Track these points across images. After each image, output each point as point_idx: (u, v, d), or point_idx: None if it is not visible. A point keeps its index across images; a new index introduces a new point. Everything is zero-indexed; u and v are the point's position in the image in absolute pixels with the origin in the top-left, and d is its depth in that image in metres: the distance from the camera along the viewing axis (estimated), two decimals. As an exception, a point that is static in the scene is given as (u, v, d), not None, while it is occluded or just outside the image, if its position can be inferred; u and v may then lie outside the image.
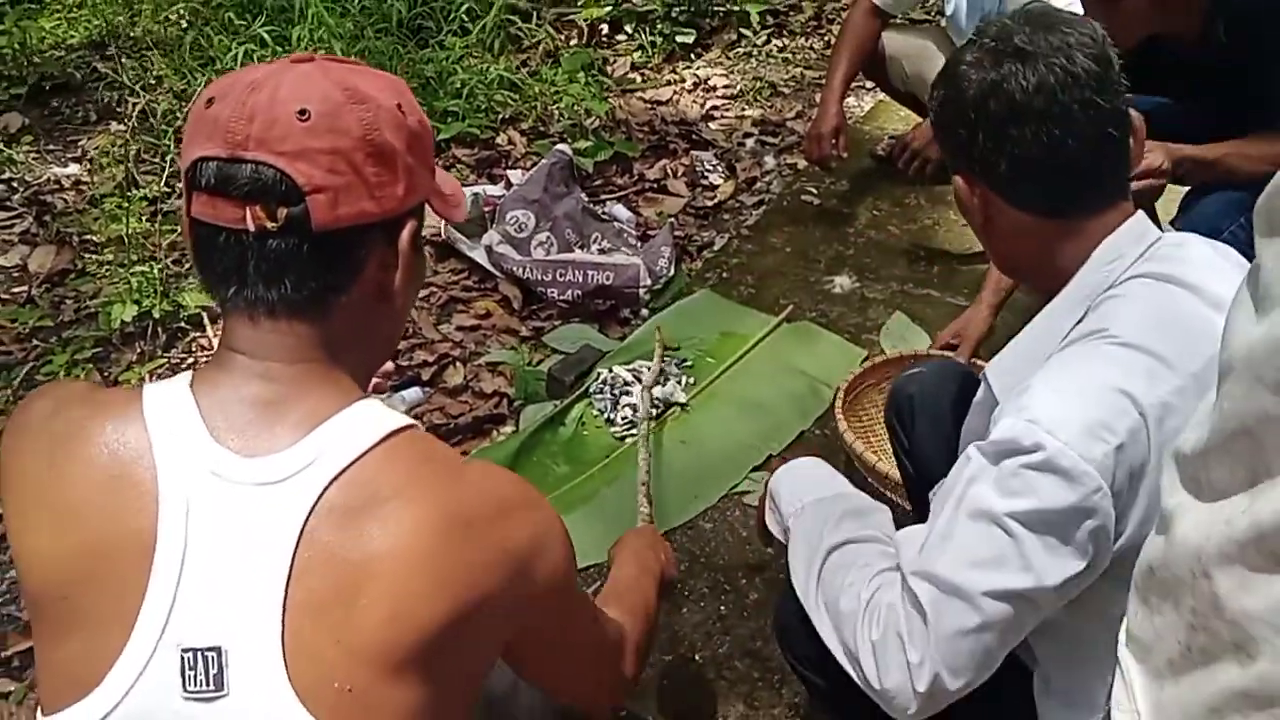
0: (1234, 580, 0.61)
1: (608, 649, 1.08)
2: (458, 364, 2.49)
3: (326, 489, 0.80)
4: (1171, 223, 2.19)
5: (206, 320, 2.59)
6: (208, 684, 0.79)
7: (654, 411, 2.22)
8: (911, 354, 2.19)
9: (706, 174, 3.26)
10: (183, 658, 0.79)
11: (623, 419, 2.24)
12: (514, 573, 0.86)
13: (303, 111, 0.84)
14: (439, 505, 0.82)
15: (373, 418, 0.85)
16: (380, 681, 0.79)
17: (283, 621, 0.79)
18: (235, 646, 0.79)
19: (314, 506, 0.80)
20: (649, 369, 2.29)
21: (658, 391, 2.28)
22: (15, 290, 2.72)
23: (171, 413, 0.84)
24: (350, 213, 0.85)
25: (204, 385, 0.86)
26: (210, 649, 0.80)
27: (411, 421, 0.87)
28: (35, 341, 2.53)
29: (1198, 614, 0.64)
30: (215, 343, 2.51)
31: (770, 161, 3.34)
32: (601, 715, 1.14)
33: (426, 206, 0.97)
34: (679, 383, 2.33)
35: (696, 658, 1.75)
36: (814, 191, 3.12)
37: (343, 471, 0.81)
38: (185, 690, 0.79)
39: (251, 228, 0.83)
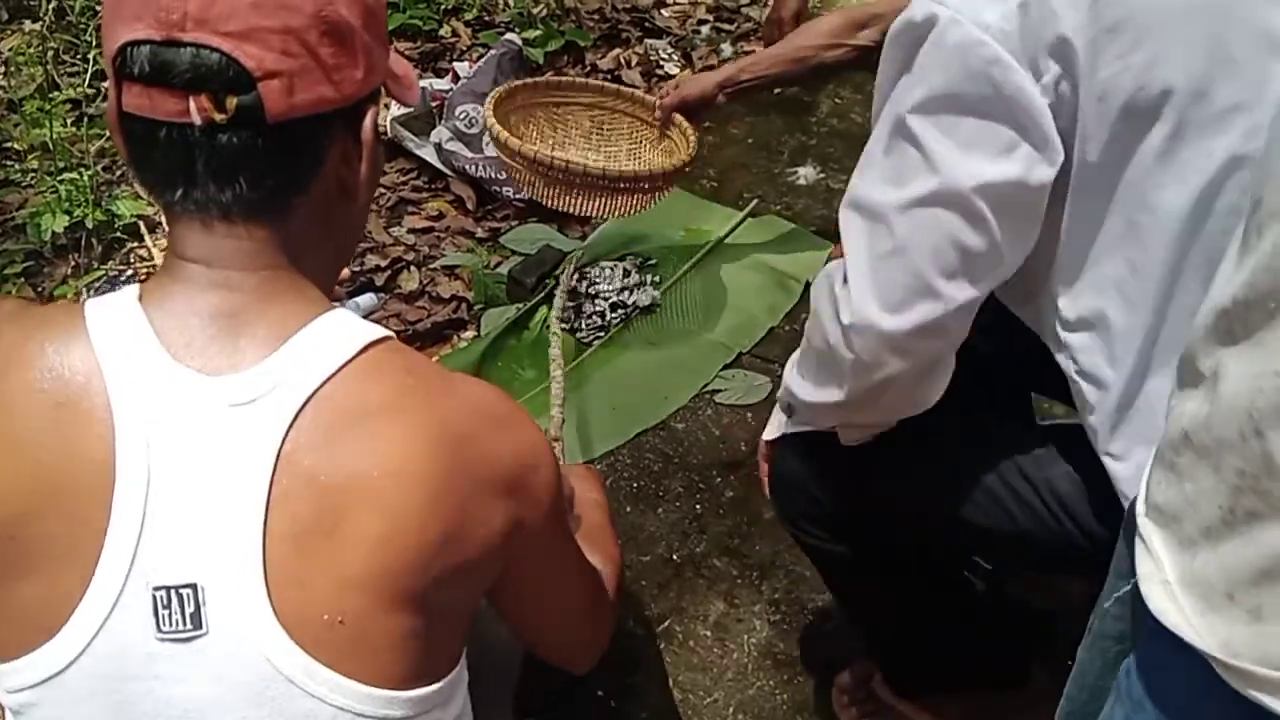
0: None
1: (592, 588, 1.02)
2: (412, 268, 2.40)
3: (303, 407, 0.74)
4: None
5: (144, 229, 2.46)
6: (184, 623, 0.74)
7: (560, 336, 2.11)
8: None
9: (662, 63, 3.14)
10: (154, 596, 0.74)
11: (587, 325, 2.18)
12: (507, 490, 0.81)
13: None
14: (428, 420, 0.76)
15: (347, 329, 0.78)
16: (374, 609, 0.74)
17: (263, 552, 0.73)
18: (212, 582, 0.74)
19: (290, 427, 0.73)
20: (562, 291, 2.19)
21: (626, 297, 2.21)
22: (-68, 203, 2.56)
23: (121, 331, 0.76)
24: (307, 100, 0.77)
25: (155, 299, 0.78)
26: (185, 586, 0.74)
27: (388, 332, 0.80)
28: (-40, 256, 2.39)
29: (1245, 475, 0.62)
30: (155, 253, 2.39)
31: (727, 49, 3.23)
32: (577, 670, 1.07)
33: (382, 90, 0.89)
34: (646, 285, 2.26)
35: (674, 557, 1.73)
36: (773, 80, 3.02)
37: (319, 388, 0.74)
38: (160, 631, 0.74)
39: (197, 121, 0.74)
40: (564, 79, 2.31)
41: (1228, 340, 0.64)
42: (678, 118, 2.13)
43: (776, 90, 2.96)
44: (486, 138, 2.56)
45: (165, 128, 0.75)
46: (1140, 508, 0.74)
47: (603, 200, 1.99)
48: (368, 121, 0.84)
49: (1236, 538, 0.64)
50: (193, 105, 0.74)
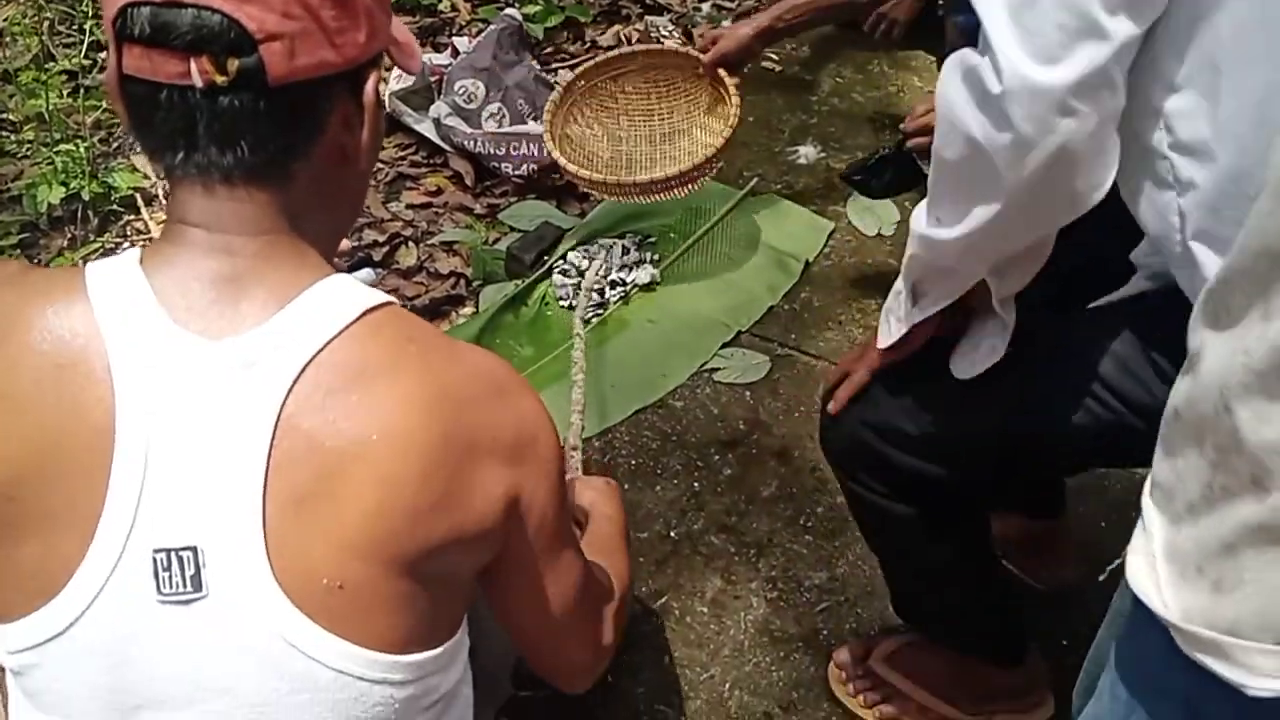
0: (1252, 411, 0.60)
1: (592, 592, 0.98)
2: (410, 244, 2.39)
3: (303, 371, 0.74)
4: None
5: (141, 202, 2.44)
6: (184, 585, 0.74)
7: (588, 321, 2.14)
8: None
9: (662, 40, 3.12)
10: (155, 559, 0.74)
11: (587, 304, 2.17)
12: (506, 457, 0.80)
13: None
14: (428, 384, 0.76)
15: (348, 293, 0.78)
16: (373, 574, 0.74)
17: (263, 515, 0.73)
18: (212, 544, 0.74)
19: (290, 390, 0.73)
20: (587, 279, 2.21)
21: (625, 275, 2.21)
22: (-73, 173, 2.54)
23: (121, 294, 0.76)
24: (309, 63, 0.76)
25: (155, 262, 0.77)
26: (185, 548, 0.74)
27: (389, 298, 0.80)
28: (-44, 228, 2.37)
29: (1220, 450, 0.63)
30: (152, 226, 2.38)
31: (728, 26, 3.21)
32: (574, 687, 1.04)
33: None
34: (646, 263, 2.25)
35: (672, 534, 1.73)
36: (775, 58, 3.00)
37: (319, 351, 0.74)
38: (160, 593, 0.74)
39: (199, 83, 0.74)
40: (610, 55, 2.35)
41: (1212, 323, 0.64)
42: (720, 73, 2.18)
43: (778, 68, 2.95)
44: (486, 114, 2.55)
45: (166, 90, 0.75)
46: (1147, 487, 0.74)
47: (668, 192, 2.14)
48: (369, 86, 0.83)
49: (1213, 514, 0.65)
50: (194, 67, 0.74)
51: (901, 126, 2.07)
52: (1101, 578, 0.85)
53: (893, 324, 1.17)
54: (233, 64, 0.74)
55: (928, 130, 2.01)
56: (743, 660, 1.56)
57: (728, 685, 1.53)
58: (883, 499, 1.27)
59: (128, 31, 0.74)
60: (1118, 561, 0.79)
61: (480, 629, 0.96)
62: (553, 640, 0.96)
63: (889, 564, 1.44)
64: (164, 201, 2.47)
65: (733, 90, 2.16)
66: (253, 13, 0.73)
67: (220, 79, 0.74)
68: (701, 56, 2.23)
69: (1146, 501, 0.73)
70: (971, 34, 2.24)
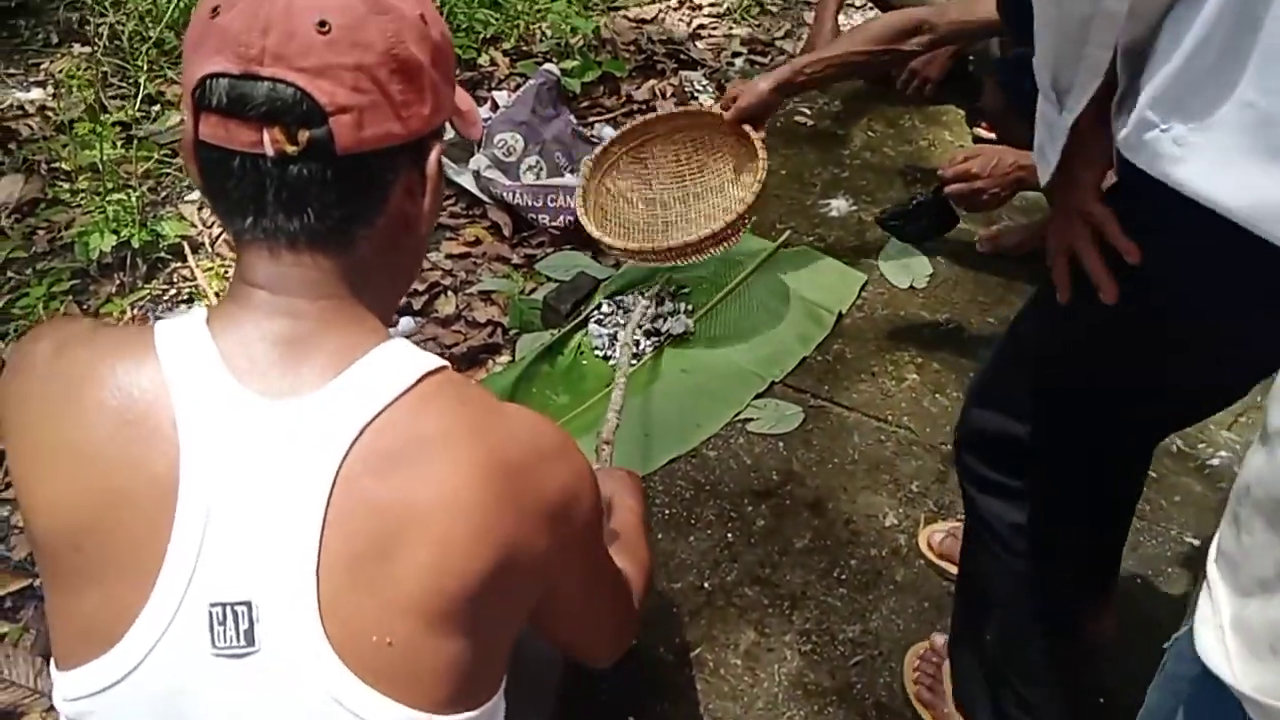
0: None
1: (623, 601, 1.06)
2: (449, 293, 2.43)
3: (360, 433, 0.76)
4: None
5: (188, 250, 2.50)
6: (238, 639, 0.76)
7: (647, 353, 2.21)
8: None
9: (696, 94, 3.18)
10: (211, 613, 0.76)
11: (622, 353, 2.20)
12: (552, 519, 0.83)
13: (323, 23, 0.77)
14: (481, 450, 0.78)
15: (405, 358, 0.81)
16: (422, 633, 0.76)
17: (317, 573, 0.75)
18: (266, 600, 0.76)
19: (347, 452, 0.76)
20: (632, 318, 2.26)
21: (660, 325, 2.24)
22: (-16, 221, 2.62)
23: (188, 353, 0.79)
24: (376, 134, 0.80)
25: (221, 323, 0.81)
26: (240, 603, 0.76)
27: (443, 362, 0.83)
28: (9, 274, 2.44)
29: None
30: (198, 273, 2.44)
31: (747, 82, 3.26)
32: (599, 666, 1.11)
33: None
34: (681, 316, 2.28)
35: (705, 585, 1.74)
36: (807, 113, 3.05)
37: (377, 415, 0.77)
38: (214, 647, 0.76)
39: (270, 152, 0.77)
40: (638, 121, 2.39)
41: None
42: (744, 128, 2.21)
43: (810, 123, 2.99)
44: (524, 166, 2.60)
45: (239, 157, 0.78)
46: (1212, 553, 0.75)
47: (702, 253, 2.18)
48: (433, 156, 0.86)
49: None
50: (266, 137, 0.77)
51: (940, 172, 2.09)
52: (1166, 645, 0.85)
53: (1048, 153, 1.13)
54: (303, 135, 0.77)
55: (966, 177, 2.04)
56: (776, 713, 1.56)
57: (761, 738, 1.53)
58: (1010, 478, 1.28)
59: (206, 101, 0.78)
60: (1184, 629, 0.79)
61: (516, 676, 0.98)
62: (584, 642, 1.04)
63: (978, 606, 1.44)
64: (210, 249, 2.53)
65: (758, 144, 2.19)
66: (325, 86, 0.77)
67: (291, 149, 0.77)
68: (724, 114, 2.26)
69: (1212, 570, 0.73)
70: (1013, 91, 2.26)
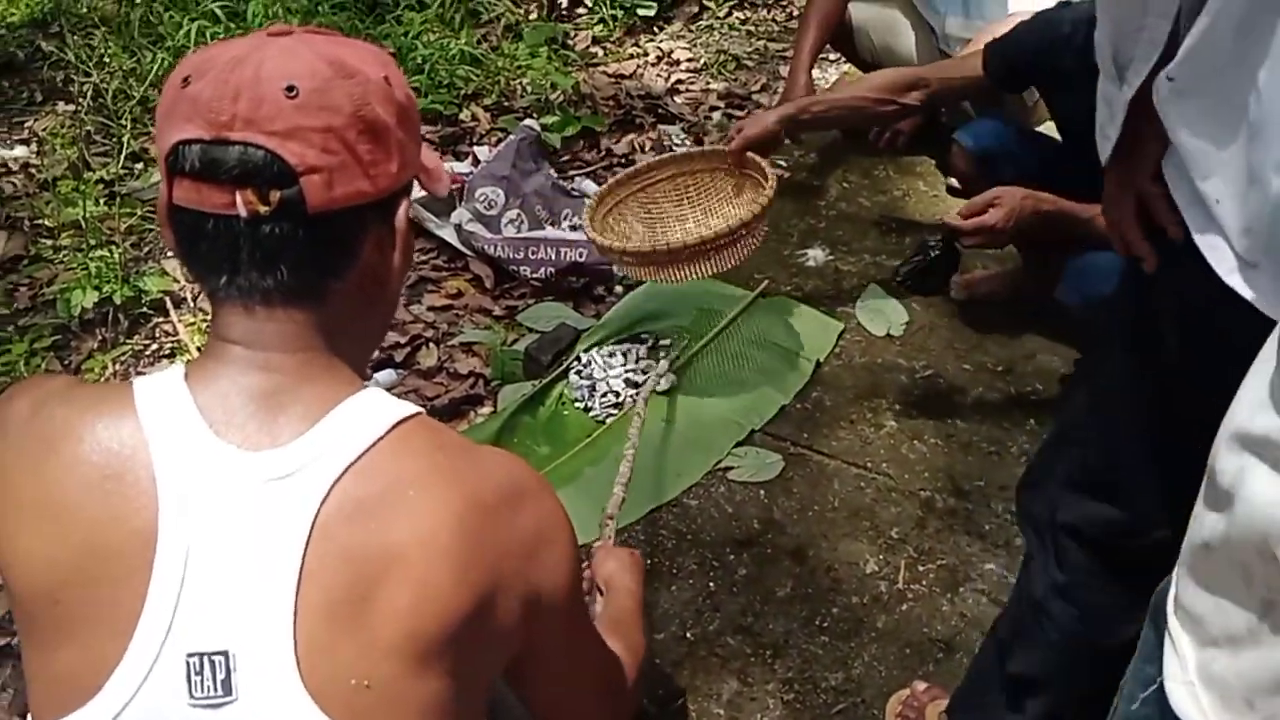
0: None
1: (609, 670, 1.06)
2: (431, 345, 2.45)
3: (337, 482, 0.78)
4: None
5: (170, 305, 2.52)
6: (215, 689, 0.76)
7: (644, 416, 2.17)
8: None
9: (674, 148, 3.23)
10: (188, 663, 0.76)
11: (601, 404, 2.22)
12: (529, 557, 0.84)
13: (290, 88, 0.80)
14: (457, 493, 0.80)
15: (379, 406, 0.82)
16: (402, 674, 0.77)
17: (294, 621, 0.76)
18: (243, 650, 0.76)
19: (324, 500, 0.77)
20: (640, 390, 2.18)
21: (639, 377, 2.25)
22: (-34, 278, 2.63)
23: (167, 408, 0.80)
24: (346, 193, 0.82)
25: (199, 378, 0.82)
26: (217, 653, 0.76)
27: (418, 409, 0.84)
28: (-9, 330, 2.45)
29: (1273, 589, 0.63)
30: (180, 329, 2.45)
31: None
32: None
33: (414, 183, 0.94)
34: (668, 373, 2.28)
35: (688, 635, 1.74)
36: (783, 165, 3.09)
37: (353, 463, 0.78)
38: (192, 697, 0.76)
39: (243, 212, 0.80)
40: (640, 166, 2.38)
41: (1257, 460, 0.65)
42: (748, 155, 2.24)
43: (786, 174, 3.04)
44: (506, 220, 2.64)
45: (212, 219, 0.81)
46: (1170, 606, 0.75)
47: (710, 261, 2.08)
48: (401, 212, 0.89)
49: (1262, 648, 0.65)
50: (239, 199, 0.79)
51: (955, 225, 2.09)
52: (1138, 694, 0.86)
53: (1109, 130, 1.13)
54: (275, 195, 0.80)
55: (984, 232, 2.06)
56: (759, 763, 1.55)
57: (744, 789, 1.52)
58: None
59: (179, 166, 0.80)
60: (1154, 687, 0.80)
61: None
62: (569, 716, 1.01)
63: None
64: (192, 304, 2.54)
65: (765, 164, 2.19)
66: (294, 148, 0.79)
67: (263, 209, 0.80)
68: (724, 148, 2.28)
69: (1173, 623, 0.73)
70: (978, 158, 2.33)
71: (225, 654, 0.77)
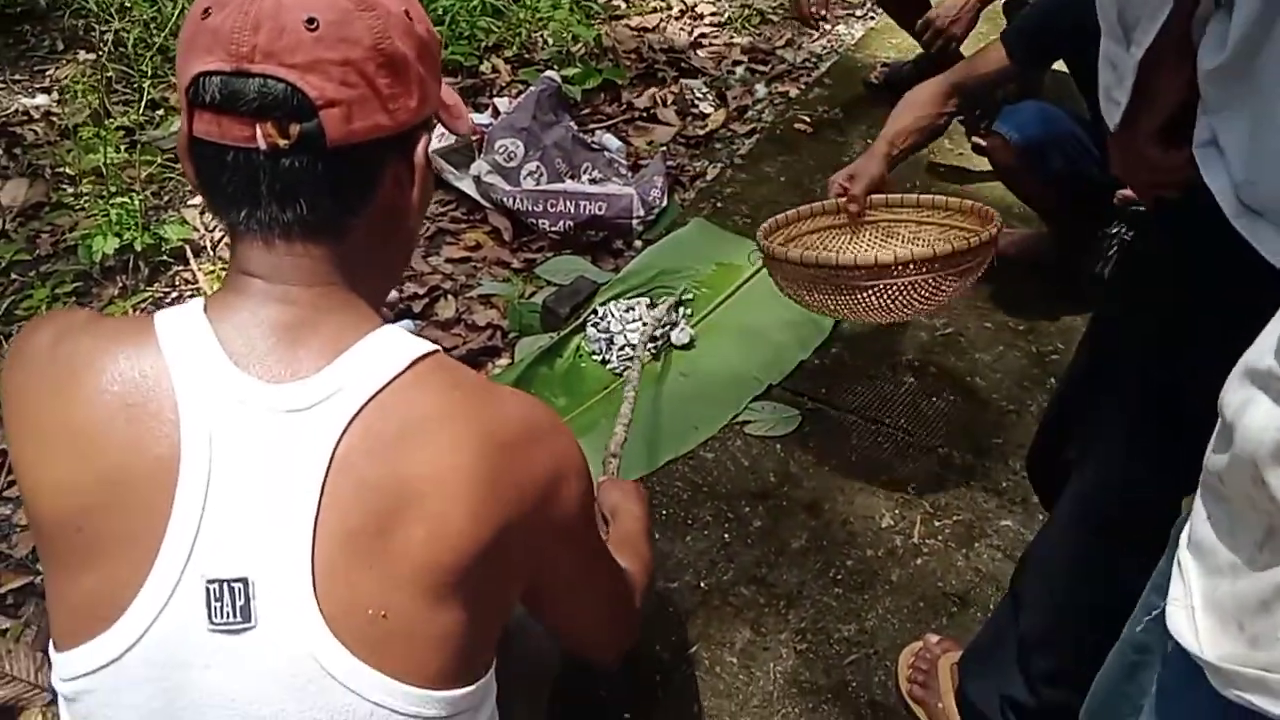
0: None
1: (620, 592, 1.08)
2: (449, 297, 2.45)
3: (356, 415, 0.78)
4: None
5: (190, 254, 2.53)
6: (234, 615, 0.77)
7: (647, 359, 2.19)
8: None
9: (697, 102, 3.20)
10: (208, 589, 0.77)
11: (619, 358, 2.22)
12: (544, 496, 0.84)
13: (310, 20, 0.79)
14: (475, 429, 0.80)
15: (398, 343, 0.82)
16: (418, 605, 0.77)
17: (312, 550, 0.76)
18: (262, 577, 0.77)
19: (344, 433, 0.77)
20: (645, 323, 2.23)
21: (658, 332, 2.24)
22: (-12, 224, 2.65)
23: (188, 339, 0.81)
24: (365, 127, 0.81)
25: (219, 311, 0.82)
26: (236, 580, 0.77)
27: (436, 347, 0.84)
28: (13, 276, 2.46)
29: (1269, 514, 0.65)
30: (200, 277, 2.46)
31: (761, 90, 3.28)
32: (604, 666, 1.14)
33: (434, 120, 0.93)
34: (685, 326, 2.29)
35: (702, 584, 1.75)
36: (807, 120, 3.07)
37: (372, 398, 0.78)
38: (211, 622, 0.77)
39: (263, 146, 0.79)
40: (815, 205, 2.14)
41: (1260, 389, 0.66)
42: (931, 197, 2.10)
43: (810, 129, 3.01)
44: (525, 172, 2.62)
45: (232, 152, 0.80)
46: (1183, 540, 0.76)
47: (917, 297, 1.76)
48: (420, 148, 0.88)
49: (1259, 570, 0.66)
50: (259, 131, 0.79)
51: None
52: (1143, 617, 0.87)
53: (1116, 94, 1.08)
54: (294, 128, 0.79)
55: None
56: (771, 711, 1.57)
57: (756, 736, 1.54)
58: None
59: (200, 98, 0.80)
60: (1157, 610, 0.81)
61: (512, 666, 0.99)
62: (585, 634, 1.05)
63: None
64: (211, 253, 2.55)
65: (976, 208, 1.97)
66: (314, 81, 0.79)
67: (283, 142, 0.79)
68: (847, 200, 2.09)
69: (1185, 556, 0.75)
70: (1024, 150, 2.31)
71: (244, 581, 0.77)
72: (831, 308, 1.81)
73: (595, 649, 1.09)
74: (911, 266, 1.71)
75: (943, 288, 1.76)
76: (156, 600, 0.77)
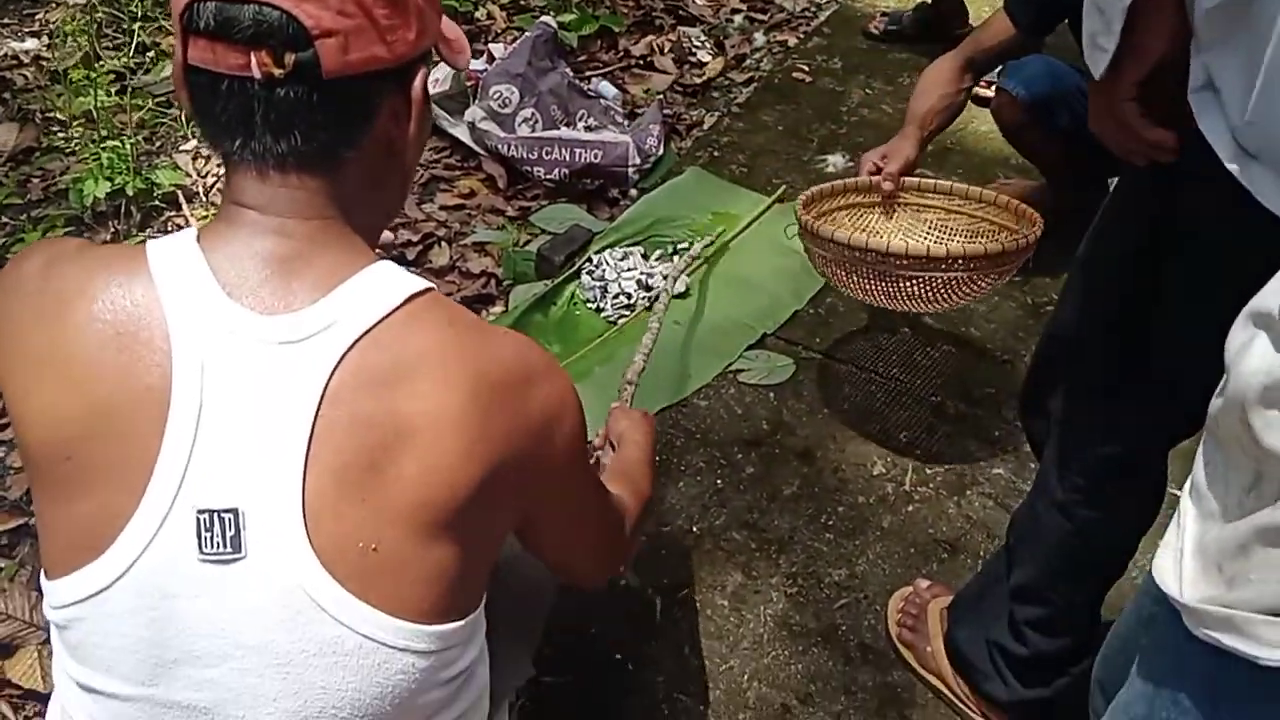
0: (1264, 421, 0.63)
1: (612, 524, 1.08)
2: (443, 244, 2.44)
3: (350, 349, 0.78)
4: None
5: (182, 199, 2.51)
6: (224, 546, 0.77)
7: (643, 306, 2.20)
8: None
9: (694, 50, 3.17)
10: (198, 519, 0.77)
11: (613, 305, 2.21)
12: (537, 436, 0.84)
13: None
14: (469, 368, 0.80)
15: (393, 279, 0.82)
16: (409, 541, 0.78)
17: (303, 482, 0.76)
18: (252, 508, 0.77)
19: (336, 366, 0.77)
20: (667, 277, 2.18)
21: (663, 283, 2.23)
22: (-21, 168, 2.62)
23: (180, 269, 0.80)
24: (361, 58, 0.80)
25: (213, 241, 0.82)
26: (227, 510, 0.77)
27: (430, 284, 0.84)
28: (4, 220, 2.45)
29: (1257, 460, 0.65)
30: (192, 222, 2.45)
31: (760, 38, 3.25)
32: (597, 586, 1.16)
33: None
34: (682, 275, 2.27)
35: (694, 529, 1.76)
36: (805, 69, 3.04)
37: (366, 333, 0.78)
38: (201, 552, 0.77)
39: (258, 75, 0.78)
40: (849, 182, 2.09)
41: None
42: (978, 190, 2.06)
43: (809, 79, 2.98)
44: (520, 119, 2.60)
45: (227, 81, 0.79)
46: (1186, 486, 0.77)
47: (957, 292, 1.76)
48: (417, 82, 0.87)
49: (1243, 514, 0.67)
50: (253, 60, 0.78)
51: None
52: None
53: (1102, 40, 1.04)
54: (289, 58, 0.78)
55: None
56: (761, 653, 1.59)
57: (746, 677, 1.56)
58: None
59: (194, 25, 0.79)
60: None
61: (503, 605, 1.00)
62: (574, 564, 1.06)
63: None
64: (204, 198, 2.53)
65: (1016, 206, 1.94)
66: (310, 10, 0.77)
67: (278, 71, 0.78)
68: (881, 178, 2.06)
69: (1184, 501, 0.75)
70: (1030, 106, 2.30)
71: (235, 511, 0.77)
72: (866, 290, 1.78)
73: (583, 577, 1.10)
74: (960, 262, 1.68)
75: (980, 284, 1.75)
76: (147, 529, 0.77)
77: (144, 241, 0.84)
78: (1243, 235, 0.99)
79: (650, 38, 3.20)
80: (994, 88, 2.35)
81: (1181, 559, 0.72)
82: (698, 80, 3.05)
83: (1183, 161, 1.05)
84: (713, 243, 2.33)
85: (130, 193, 2.45)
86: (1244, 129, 0.94)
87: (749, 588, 1.68)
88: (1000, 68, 2.28)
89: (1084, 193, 2.34)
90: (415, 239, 2.43)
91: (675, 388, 2.03)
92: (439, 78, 2.67)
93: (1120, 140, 1.10)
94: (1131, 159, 1.11)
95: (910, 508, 1.81)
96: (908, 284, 1.72)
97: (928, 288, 1.73)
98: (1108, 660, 0.96)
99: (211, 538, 0.77)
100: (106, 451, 0.78)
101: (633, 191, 2.59)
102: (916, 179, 2.07)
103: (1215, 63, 0.96)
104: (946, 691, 1.52)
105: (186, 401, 0.77)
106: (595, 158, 2.54)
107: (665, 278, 2.14)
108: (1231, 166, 0.96)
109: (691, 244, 2.35)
